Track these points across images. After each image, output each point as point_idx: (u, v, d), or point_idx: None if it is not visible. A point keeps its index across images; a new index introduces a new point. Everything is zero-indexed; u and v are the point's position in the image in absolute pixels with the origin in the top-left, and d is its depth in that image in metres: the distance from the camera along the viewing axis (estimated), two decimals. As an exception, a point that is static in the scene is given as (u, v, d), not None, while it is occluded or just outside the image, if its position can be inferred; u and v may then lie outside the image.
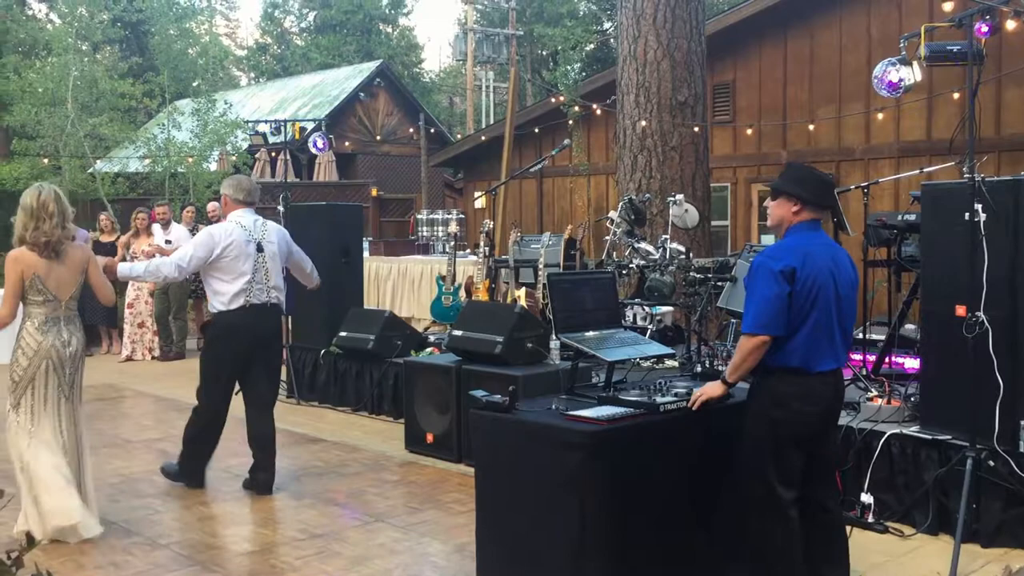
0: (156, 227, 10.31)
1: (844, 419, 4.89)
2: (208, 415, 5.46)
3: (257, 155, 19.39)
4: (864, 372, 5.84)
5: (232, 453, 6.30)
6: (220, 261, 5.19)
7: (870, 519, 4.65)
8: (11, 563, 1.18)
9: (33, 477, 4.47)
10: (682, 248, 6.87)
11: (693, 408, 3.64)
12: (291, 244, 5.66)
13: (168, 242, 10.20)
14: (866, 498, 4.69)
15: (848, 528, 4.57)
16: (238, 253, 5.20)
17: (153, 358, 10.26)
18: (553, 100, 14.21)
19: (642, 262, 6.83)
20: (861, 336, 6.58)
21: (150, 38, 24.60)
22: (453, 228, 10.16)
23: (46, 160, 14.59)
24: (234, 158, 16.64)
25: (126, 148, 16.39)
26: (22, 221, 4.54)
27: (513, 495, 3.61)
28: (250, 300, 5.24)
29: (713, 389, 3.63)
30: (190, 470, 5.49)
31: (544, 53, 31.64)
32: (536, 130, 14.26)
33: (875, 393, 5.41)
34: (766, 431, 3.51)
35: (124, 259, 10.30)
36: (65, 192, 13.22)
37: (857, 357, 6.19)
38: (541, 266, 8.61)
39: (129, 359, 10.23)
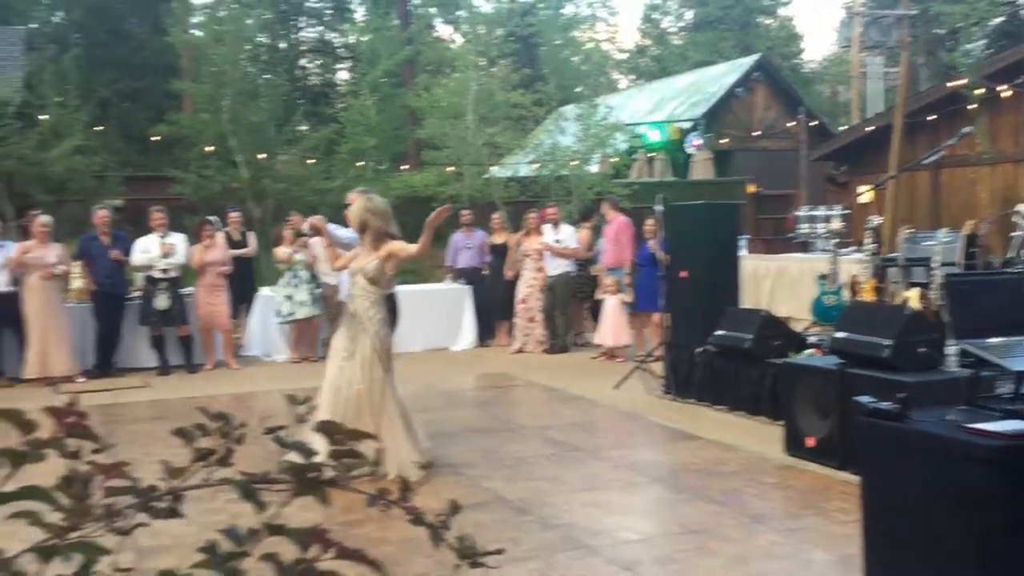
0: (547, 227, 11.02)
1: None
2: None
3: (635, 156, 19.94)
4: None
5: (615, 444, 6.60)
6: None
7: None
8: (439, 526, 1.33)
9: (411, 425, 5.74)
10: (1111, 245, 6.02)
11: None
12: None
13: (557, 241, 10.88)
14: None
15: None
16: None
17: (543, 351, 10.96)
18: (950, 84, 13.06)
19: (1059, 261, 6.09)
20: None
21: (539, 49, 26.24)
22: (836, 225, 9.73)
23: (450, 168, 16.13)
24: (615, 160, 17.25)
25: (516, 154, 17.65)
26: (383, 221, 5.71)
27: (903, 509, 3.42)
28: None
29: None
30: None
31: (941, 32, 29.09)
32: (930, 117, 13.20)
33: None
34: None
35: (516, 258, 11.15)
36: (465, 196, 14.61)
37: None
38: (936, 265, 7.97)
39: (520, 351, 11.02)
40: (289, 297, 10.43)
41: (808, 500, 5.14)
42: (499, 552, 1.42)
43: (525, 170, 17.38)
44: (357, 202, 5.91)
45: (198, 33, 16.94)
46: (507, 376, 9.57)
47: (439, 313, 11.42)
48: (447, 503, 1.33)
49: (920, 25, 27.95)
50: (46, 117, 13.98)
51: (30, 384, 9.24)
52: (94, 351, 9.87)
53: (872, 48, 26.18)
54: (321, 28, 34.87)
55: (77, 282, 9.97)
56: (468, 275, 11.70)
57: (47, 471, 1.12)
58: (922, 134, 13.54)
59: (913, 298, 7.59)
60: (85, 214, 11.81)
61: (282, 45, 29.89)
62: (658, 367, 8.60)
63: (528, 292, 11.03)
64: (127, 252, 9.79)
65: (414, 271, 12.14)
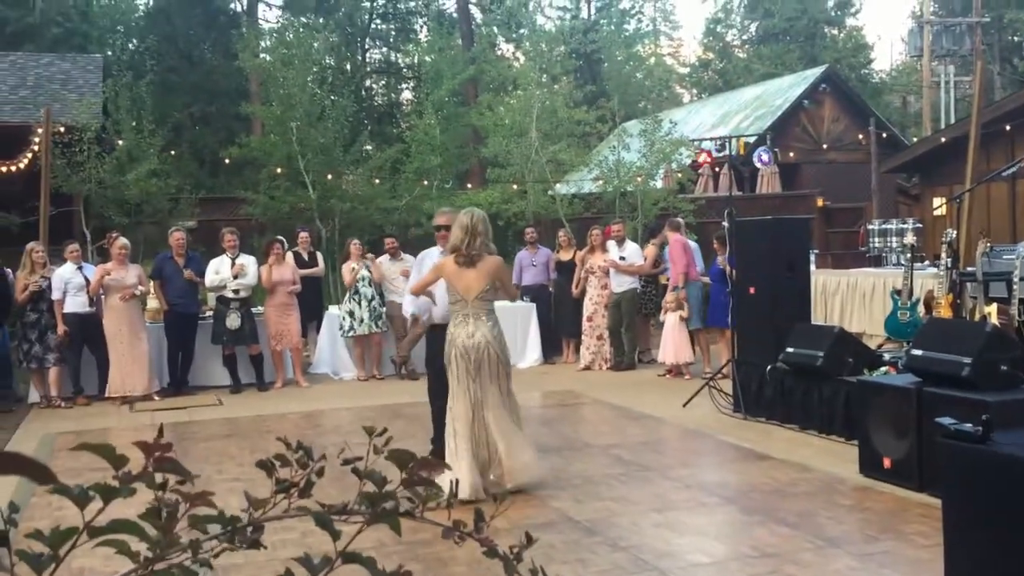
0: (611, 243, 10.97)
1: None
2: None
3: (700, 171, 19.76)
4: None
5: (684, 464, 6.51)
6: None
7: None
8: (513, 557, 1.32)
9: (457, 443, 5.62)
10: None
11: None
12: None
13: (622, 258, 10.81)
14: None
15: None
16: None
17: (608, 368, 10.89)
18: (1028, 92, 12.69)
19: None
20: None
21: (601, 66, 26.21)
22: (910, 239, 9.52)
23: (515, 186, 16.17)
24: (680, 175, 17.11)
25: (580, 171, 17.63)
26: (458, 236, 5.71)
27: (989, 535, 3.31)
28: None
29: None
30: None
31: (1016, 39, 28.34)
32: (1007, 127, 12.85)
33: None
34: None
35: (580, 276, 11.12)
36: (529, 213, 14.54)
37: None
38: (1016, 279, 7.73)
39: (587, 368, 10.96)
40: (350, 313, 10.58)
41: (885, 523, 5.00)
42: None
43: (589, 186, 17.34)
44: None
45: (267, 57, 17.30)
46: (573, 394, 9.53)
47: (504, 330, 11.41)
48: (517, 529, 1.31)
49: (993, 32, 27.28)
50: (122, 142, 14.41)
51: (107, 402, 9.48)
52: (168, 370, 10.11)
53: (944, 57, 25.63)
54: (386, 49, 35.41)
55: (152, 302, 10.23)
56: (533, 292, 11.70)
57: (134, 497, 1.14)
58: (998, 144, 13.18)
59: (992, 314, 7.37)
60: (159, 236, 12.13)
61: (348, 67, 30.39)
62: (727, 384, 8.47)
63: (594, 309, 10.98)
64: (200, 273, 10.02)
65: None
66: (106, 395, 9.51)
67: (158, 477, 1.04)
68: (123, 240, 9.94)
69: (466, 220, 5.74)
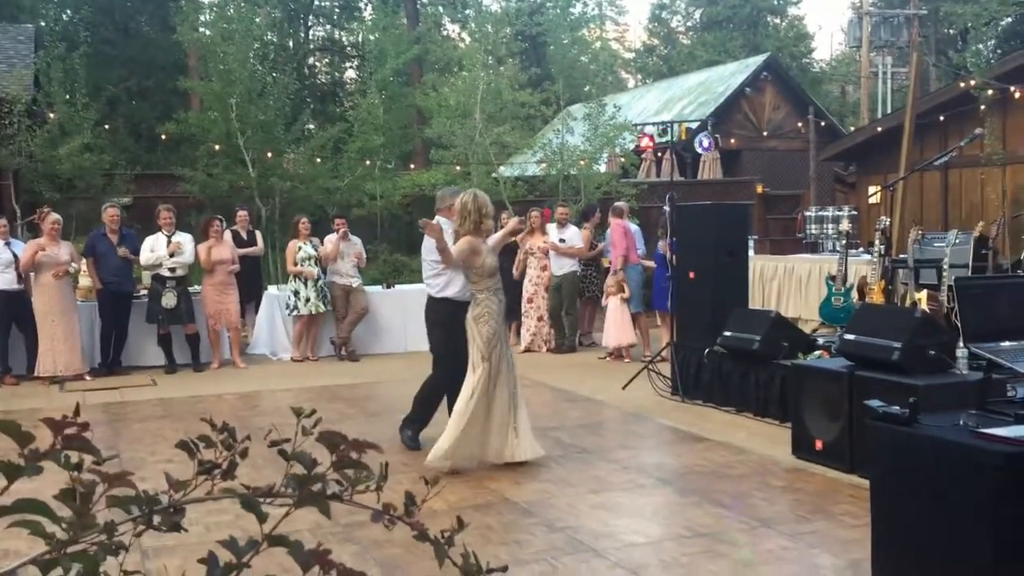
0: (551, 226, 11.00)
1: None
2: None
3: (643, 155, 19.89)
4: None
5: (622, 446, 6.57)
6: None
7: None
8: (444, 542, 1.32)
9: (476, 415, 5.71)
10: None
11: None
12: None
13: (562, 240, 10.85)
14: None
15: None
16: None
17: (548, 350, 10.93)
18: (962, 84, 13.00)
19: (1071, 264, 6.05)
20: None
21: (547, 49, 26.11)
22: (845, 226, 9.70)
23: (458, 168, 16.11)
24: (623, 160, 17.20)
25: (524, 153, 17.62)
26: (458, 218, 5.90)
27: (914, 515, 3.39)
28: None
29: None
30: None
31: (951, 32, 28.99)
32: (941, 118, 13.15)
33: None
34: None
35: (523, 256, 11.13)
36: (474, 196, 14.31)
37: None
38: (946, 267, 7.93)
39: (527, 351, 10.99)
40: (296, 292, 10.46)
41: (816, 504, 5.11)
42: (503, 569, 1.40)
43: (533, 169, 17.34)
44: None
45: (207, 31, 16.92)
46: (514, 376, 9.53)
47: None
48: (454, 511, 1.30)
49: (930, 25, 27.86)
50: (55, 115, 14.00)
51: (37, 382, 9.25)
52: (100, 349, 9.89)
53: (882, 48, 26.10)
54: (329, 27, 34.90)
55: (84, 280, 9.99)
56: (475, 274, 11.66)
57: (52, 479, 1.11)
58: (932, 134, 13.48)
59: (923, 300, 7.55)
60: (93, 212, 11.82)
61: (291, 44, 29.89)
62: (666, 367, 8.56)
63: (534, 291, 11.01)
64: (135, 250, 9.80)
65: (419, 270, 12.10)
66: (35, 375, 9.28)
67: (74, 456, 1.00)
68: (55, 215, 9.67)
69: (459, 199, 6.01)
